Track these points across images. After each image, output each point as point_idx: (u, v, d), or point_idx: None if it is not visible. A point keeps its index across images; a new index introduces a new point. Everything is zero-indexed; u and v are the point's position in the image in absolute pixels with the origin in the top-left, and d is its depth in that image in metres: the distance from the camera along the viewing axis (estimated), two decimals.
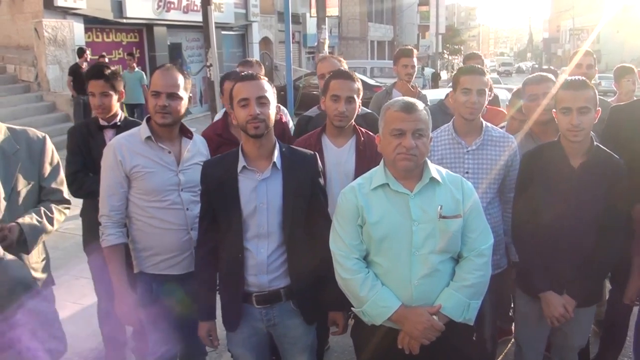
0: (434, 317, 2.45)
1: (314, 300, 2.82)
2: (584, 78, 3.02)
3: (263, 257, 2.70)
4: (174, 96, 2.96)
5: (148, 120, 3.03)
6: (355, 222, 2.55)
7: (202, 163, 3.02)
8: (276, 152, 2.73)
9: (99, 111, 3.75)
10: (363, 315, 2.54)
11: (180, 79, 3.01)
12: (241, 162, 2.69)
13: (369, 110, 4.13)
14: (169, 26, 19.39)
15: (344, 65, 4.12)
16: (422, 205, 2.49)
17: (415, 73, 5.47)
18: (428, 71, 33.98)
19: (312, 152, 2.88)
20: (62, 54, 14.88)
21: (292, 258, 2.74)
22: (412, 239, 2.47)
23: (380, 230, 2.49)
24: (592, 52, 4.87)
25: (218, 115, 4.50)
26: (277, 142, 2.77)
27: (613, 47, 48.11)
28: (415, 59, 5.45)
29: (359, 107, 3.42)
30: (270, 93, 2.70)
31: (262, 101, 2.64)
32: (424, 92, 5.83)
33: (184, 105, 3.03)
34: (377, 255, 2.54)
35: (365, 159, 3.30)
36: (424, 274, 2.47)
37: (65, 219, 3.04)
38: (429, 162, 2.58)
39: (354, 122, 3.41)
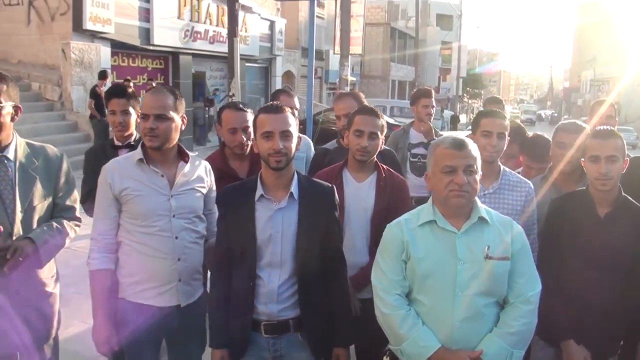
0: None
1: (322, 334, 2.78)
2: (611, 128, 3.02)
3: (274, 286, 2.69)
4: (162, 117, 2.83)
5: (144, 144, 2.95)
6: (399, 257, 2.51)
7: (199, 188, 3.02)
8: (294, 183, 2.74)
9: (119, 129, 3.85)
10: (401, 354, 2.47)
11: (170, 99, 2.89)
12: (259, 191, 2.70)
13: (386, 147, 4.15)
14: (194, 55, 19.72)
15: (364, 101, 4.16)
16: (469, 244, 2.44)
17: (434, 114, 5.51)
18: (447, 114, 34.13)
19: (329, 185, 2.89)
20: (87, 76, 15.13)
21: (302, 289, 2.72)
22: (457, 278, 2.40)
23: (424, 266, 2.44)
24: (614, 104, 4.87)
25: None
26: (295, 173, 2.79)
27: (633, 100, 47.95)
28: (434, 100, 5.50)
29: (382, 144, 3.44)
30: (294, 126, 2.72)
31: (286, 135, 2.66)
32: (441, 132, 5.87)
33: (174, 127, 2.90)
34: (420, 293, 2.48)
35: (385, 196, 3.30)
36: (467, 316, 2.40)
37: (77, 237, 3.05)
38: (478, 201, 2.55)
39: (375, 159, 3.42)
